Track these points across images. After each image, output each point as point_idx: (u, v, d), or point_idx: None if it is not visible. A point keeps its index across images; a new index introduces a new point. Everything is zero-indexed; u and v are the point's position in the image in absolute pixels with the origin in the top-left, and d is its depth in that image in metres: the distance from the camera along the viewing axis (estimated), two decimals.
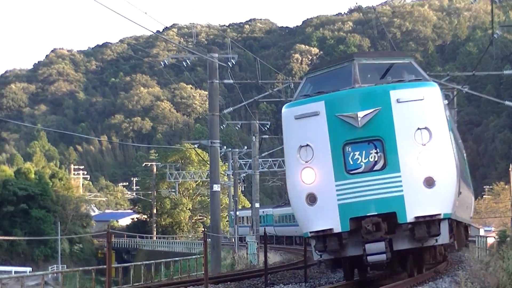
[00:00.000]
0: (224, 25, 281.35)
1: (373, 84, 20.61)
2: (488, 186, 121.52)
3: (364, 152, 20.11)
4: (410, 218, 19.66)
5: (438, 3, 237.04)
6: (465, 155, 35.49)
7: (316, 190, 20.32)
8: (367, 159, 20.08)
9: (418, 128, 19.92)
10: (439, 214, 19.80)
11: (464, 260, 33.13)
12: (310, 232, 20.47)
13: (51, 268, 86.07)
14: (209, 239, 35.53)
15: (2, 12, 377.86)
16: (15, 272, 68.25)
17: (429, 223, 19.82)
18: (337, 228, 20.03)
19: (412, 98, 20.10)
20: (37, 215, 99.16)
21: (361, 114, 19.95)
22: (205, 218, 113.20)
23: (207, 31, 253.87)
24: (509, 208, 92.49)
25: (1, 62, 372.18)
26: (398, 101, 19.98)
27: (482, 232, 72.60)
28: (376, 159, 20.03)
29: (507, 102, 42.80)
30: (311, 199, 20.33)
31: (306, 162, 20.47)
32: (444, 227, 20.30)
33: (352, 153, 20.11)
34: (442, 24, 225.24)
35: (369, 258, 19.73)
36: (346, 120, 20.05)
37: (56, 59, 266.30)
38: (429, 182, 19.82)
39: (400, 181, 19.79)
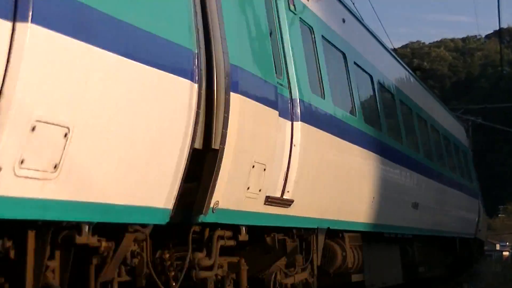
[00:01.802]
0: None
1: None
2: (502, 206, 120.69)
3: None
4: None
5: (453, 45, 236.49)
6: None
7: None
8: None
9: None
10: None
11: (480, 274, 32.10)
12: None
13: None
14: None
15: None
16: None
17: None
18: None
19: None
20: None
21: None
22: None
23: None
24: None
25: None
26: None
27: (498, 247, 73.51)
28: None
29: None
30: None
31: None
32: None
33: None
34: (457, 63, 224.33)
35: None
36: None
37: None
38: None
39: None
